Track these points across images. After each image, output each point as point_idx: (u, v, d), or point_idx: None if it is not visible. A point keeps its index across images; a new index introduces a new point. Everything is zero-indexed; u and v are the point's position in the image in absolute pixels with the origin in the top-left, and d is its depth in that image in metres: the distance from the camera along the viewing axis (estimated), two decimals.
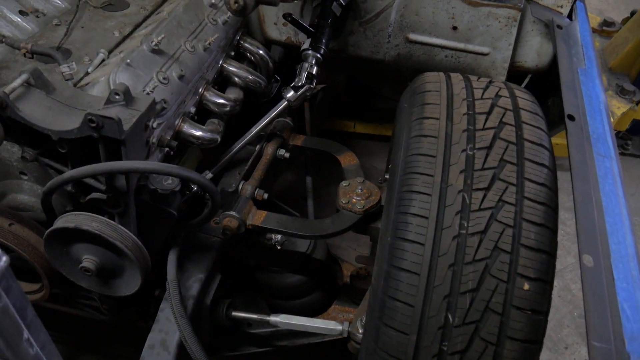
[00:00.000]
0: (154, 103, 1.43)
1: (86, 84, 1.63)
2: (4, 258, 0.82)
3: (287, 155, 2.22)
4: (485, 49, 2.15)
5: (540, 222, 1.29)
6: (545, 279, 1.27)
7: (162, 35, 1.70)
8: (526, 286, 1.25)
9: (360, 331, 1.70)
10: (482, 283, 1.25)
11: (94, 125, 1.29)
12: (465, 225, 1.29)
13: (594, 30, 3.76)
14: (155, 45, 1.68)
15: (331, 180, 3.17)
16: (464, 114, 1.50)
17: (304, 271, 2.12)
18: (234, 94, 2.07)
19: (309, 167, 2.63)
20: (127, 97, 1.38)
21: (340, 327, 1.76)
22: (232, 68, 2.10)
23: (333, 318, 1.97)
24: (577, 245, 1.31)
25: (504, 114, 1.50)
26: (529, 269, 1.25)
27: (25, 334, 0.93)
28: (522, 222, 1.29)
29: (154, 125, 1.45)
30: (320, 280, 2.19)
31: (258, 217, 1.85)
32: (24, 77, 1.40)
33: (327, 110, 3.19)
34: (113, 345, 2.43)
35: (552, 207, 1.34)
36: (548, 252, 1.28)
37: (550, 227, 1.31)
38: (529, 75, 2.51)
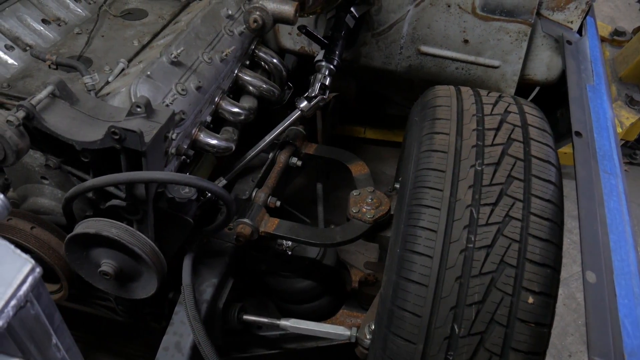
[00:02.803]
0: (173, 115, 1.48)
1: (107, 94, 1.68)
2: (38, 269, 0.87)
3: (299, 163, 2.26)
4: (495, 62, 2.18)
5: (545, 237, 1.32)
6: (549, 293, 1.30)
7: (182, 48, 1.75)
8: (530, 300, 1.28)
9: (367, 337, 1.74)
10: (488, 296, 1.28)
11: (116, 137, 1.34)
12: (473, 239, 1.32)
13: (604, 40, 3.77)
14: (175, 57, 1.73)
15: (341, 186, 3.21)
16: (474, 130, 1.53)
17: (314, 276, 2.16)
18: (248, 102, 2.12)
19: (319, 174, 2.68)
20: (148, 110, 1.42)
21: (348, 333, 1.79)
22: (247, 77, 2.14)
23: (341, 323, 2.00)
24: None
25: (512, 130, 1.53)
26: (534, 283, 1.29)
27: (54, 338, 0.98)
28: (528, 237, 1.32)
29: (173, 136, 1.49)
30: (329, 286, 2.23)
31: (270, 225, 1.89)
32: (49, 88, 1.44)
33: (338, 117, 3.23)
34: (126, 345, 2.47)
35: (557, 223, 1.37)
36: (552, 267, 1.31)
37: (555, 242, 1.34)
38: (538, 87, 2.55)
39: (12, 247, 0.87)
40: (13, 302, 0.82)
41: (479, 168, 1.44)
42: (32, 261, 0.87)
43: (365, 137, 3.43)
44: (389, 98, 3.56)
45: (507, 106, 1.64)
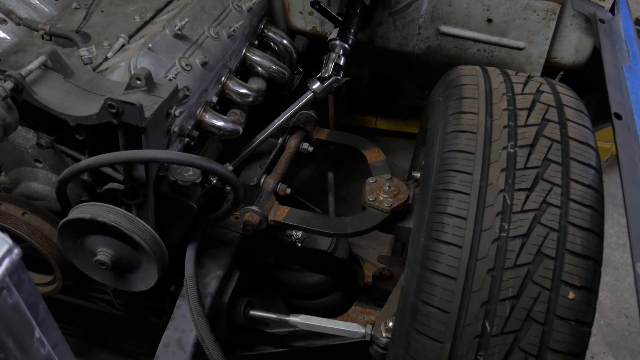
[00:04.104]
0: (176, 90, 1.36)
1: (105, 69, 1.57)
2: (16, 250, 0.75)
3: (310, 149, 2.15)
4: (520, 43, 2.06)
5: (587, 226, 1.22)
6: (591, 288, 1.20)
7: (186, 20, 1.64)
8: (571, 295, 1.18)
9: (383, 335, 1.64)
10: (524, 290, 1.19)
11: (113, 111, 1.23)
12: (506, 227, 1.22)
13: None
14: (179, 29, 1.62)
15: (350, 178, 3.10)
16: (504, 110, 1.42)
17: (325, 270, 2.05)
18: (257, 84, 2.01)
19: (331, 162, 2.56)
20: (149, 83, 1.31)
21: (362, 330, 1.70)
22: (256, 57, 2.03)
23: (353, 319, 1.91)
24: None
25: (546, 110, 1.43)
26: (575, 277, 1.19)
27: (37, 332, 0.87)
28: (567, 225, 1.22)
29: (176, 113, 1.38)
30: (340, 280, 2.12)
31: (280, 213, 1.79)
32: (41, 59, 1.33)
33: (350, 105, 3.11)
34: (125, 341, 2.38)
35: (599, 211, 1.27)
36: (594, 259, 1.21)
37: (597, 232, 1.24)
38: (561, 73, 2.42)
39: None
40: None
41: (512, 150, 1.33)
42: (9, 240, 0.75)
43: (377, 128, 3.31)
44: (401, 87, 3.45)
45: (539, 86, 1.53)
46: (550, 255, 1.19)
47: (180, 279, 1.65)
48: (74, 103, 1.33)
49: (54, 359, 0.94)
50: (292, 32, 2.38)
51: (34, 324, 0.85)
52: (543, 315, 1.17)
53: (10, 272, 0.75)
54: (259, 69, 2.05)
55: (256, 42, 2.12)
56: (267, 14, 2.21)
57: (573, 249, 1.20)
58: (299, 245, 1.93)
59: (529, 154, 1.31)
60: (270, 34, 2.18)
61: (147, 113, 1.25)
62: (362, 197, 1.77)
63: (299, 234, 1.90)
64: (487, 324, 1.18)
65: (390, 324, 1.60)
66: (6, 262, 0.74)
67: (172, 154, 1.31)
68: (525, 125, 1.38)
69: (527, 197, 1.25)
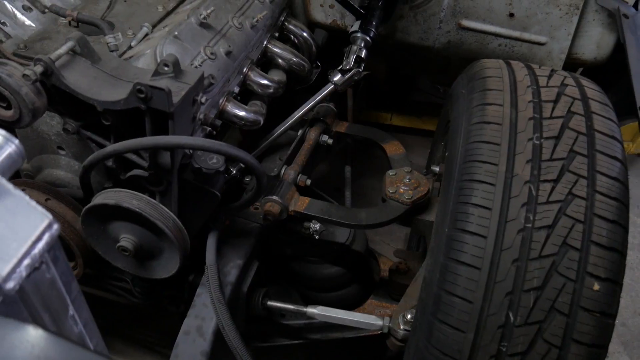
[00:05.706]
0: (202, 77, 1.36)
1: (130, 57, 1.56)
2: (56, 226, 0.75)
3: (330, 141, 2.14)
4: (542, 39, 2.05)
5: (612, 218, 1.21)
6: (616, 280, 1.19)
7: (211, 9, 1.63)
8: (596, 286, 1.17)
9: (401, 327, 1.63)
10: (548, 281, 1.18)
11: (142, 96, 1.23)
12: (532, 218, 1.22)
13: None
14: (204, 18, 1.61)
15: (364, 174, 3.09)
16: (530, 102, 1.42)
17: (342, 263, 2.04)
18: (277, 75, 2.00)
19: (348, 156, 2.55)
20: (176, 69, 1.31)
21: (380, 322, 1.68)
22: (277, 49, 2.02)
23: (369, 313, 1.88)
24: None
25: (572, 103, 1.42)
26: (600, 268, 1.18)
27: (71, 310, 0.87)
28: (593, 217, 1.21)
29: (202, 100, 1.38)
30: (357, 273, 2.11)
31: (301, 204, 1.77)
32: (70, 44, 1.33)
33: (365, 101, 3.10)
34: (140, 330, 2.38)
35: (624, 204, 1.26)
36: (620, 251, 1.20)
37: (622, 224, 1.23)
38: (580, 70, 2.40)
39: (27, 198, 0.75)
40: (26, 262, 0.70)
41: (537, 142, 1.32)
42: (49, 215, 0.75)
43: (392, 124, 3.30)
44: (416, 84, 3.44)
45: (563, 79, 1.52)
46: (576, 247, 1.18)
47: (199, 268, 1.64)
48: (101, 88, 1.33)
49: (85, 338, 0.94)
50: (311, 25, 2.37)
51: (68, 301, 0.86)
52: (567, 307, 1.16)
53: (50, 247, 0.76)
54: (280, 60, 2.04)
55: (276, 34, 2.11)
56: (288, 6, 2.20)
57: (598, 240, 1.19)
58: (317, 237, 1.92)
59: (555, 146, 1.30)
60: (291, 26, 2.17)
61: (175, 99, 1.25)
62: (382, 190, 1.76)
63: (317, 226, 1.90)
64: (510, 315, 1.17)
65: (409, 316, 1.60)
66: (46, 236, 0.74)
67: (199, 140, 1.31)
68: (550, 118, 1.37)
69: (553, 188, 1.24)
